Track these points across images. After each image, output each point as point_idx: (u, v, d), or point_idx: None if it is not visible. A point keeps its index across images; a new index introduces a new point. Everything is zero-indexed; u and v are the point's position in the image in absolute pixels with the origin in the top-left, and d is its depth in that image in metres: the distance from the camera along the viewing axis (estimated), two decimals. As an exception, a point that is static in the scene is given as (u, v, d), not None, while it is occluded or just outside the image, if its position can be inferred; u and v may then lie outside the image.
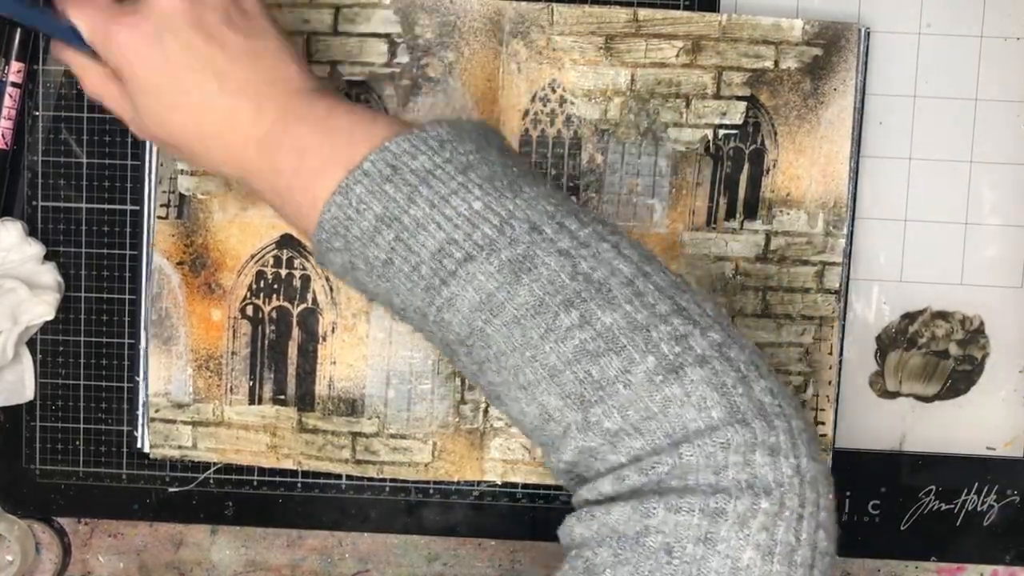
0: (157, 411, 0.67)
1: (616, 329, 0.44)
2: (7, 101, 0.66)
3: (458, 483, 0.68)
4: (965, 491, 0.68)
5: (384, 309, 0.58)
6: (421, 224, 0.46)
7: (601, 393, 0.44)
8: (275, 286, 0.66)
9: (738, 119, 0.65)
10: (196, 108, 0.51)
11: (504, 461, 0.67)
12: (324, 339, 0.66)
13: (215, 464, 0.68)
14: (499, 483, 0.68)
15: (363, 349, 0.66)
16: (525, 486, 0.68)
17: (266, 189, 0.51)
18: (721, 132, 0.66)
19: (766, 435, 0.43)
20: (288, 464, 0.67)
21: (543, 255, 0.45)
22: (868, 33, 0.66)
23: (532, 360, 0.45)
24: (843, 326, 0.67)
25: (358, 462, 0.66)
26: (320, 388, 0.66)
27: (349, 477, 0.68)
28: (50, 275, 0.66)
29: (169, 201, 0.66)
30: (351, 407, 0.66)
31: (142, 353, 0.67)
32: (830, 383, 0.66)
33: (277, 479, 0.68)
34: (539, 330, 0.45)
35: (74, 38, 0.53)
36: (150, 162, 0.66)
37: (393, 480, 0.68)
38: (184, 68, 0.51)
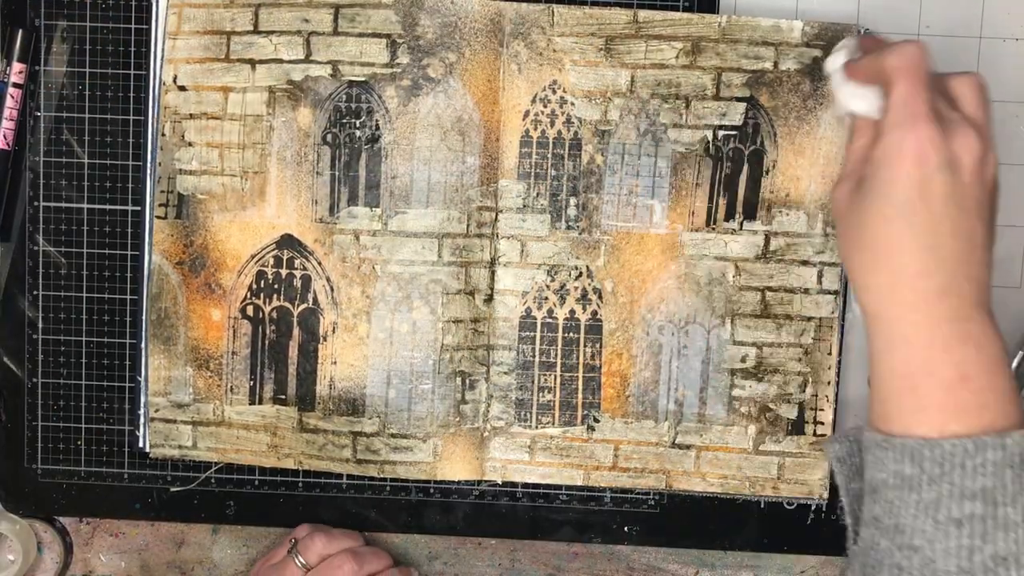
0: (157, 411, 0.67)
1: None
2: (9, 102, 0.66)
3: (458, 483, 0.68)
4: (964, 491, 0.68)
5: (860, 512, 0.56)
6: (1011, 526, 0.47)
7: None
8: (276, 286, 0.66)
9: (738, 120, 0.65)
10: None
11: (504, 461, 0.67)
12: (325, 339, 0.66)
13: (216, 464, 0.68)
14: (499, 483, 0.68)
15: (364, 349, 0.66)
16: (525, 486, 0.68)
17: (898, 338, 0.51)
18: (721, 133, 0.66)
19: None
20: (289, 464, 0.67)
21: None
22: (867, 34, 0.66)
23: None
24: (843, 326, 0.67)
25: (359, 462, 0.67)
26: (321, 388, 0.66)
27: (350, 477, 0.68)
28: None
29: (168, 201, 0.66)
30: (352, 407, 0.66)
31: (142, 353, 0.67)
32: (830, 383, 0.66)
33: (278, 479, 0.69)
34: None
35: None
36: (151, 162, 0.66)
37: (394, 480, 0.68)
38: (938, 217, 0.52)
